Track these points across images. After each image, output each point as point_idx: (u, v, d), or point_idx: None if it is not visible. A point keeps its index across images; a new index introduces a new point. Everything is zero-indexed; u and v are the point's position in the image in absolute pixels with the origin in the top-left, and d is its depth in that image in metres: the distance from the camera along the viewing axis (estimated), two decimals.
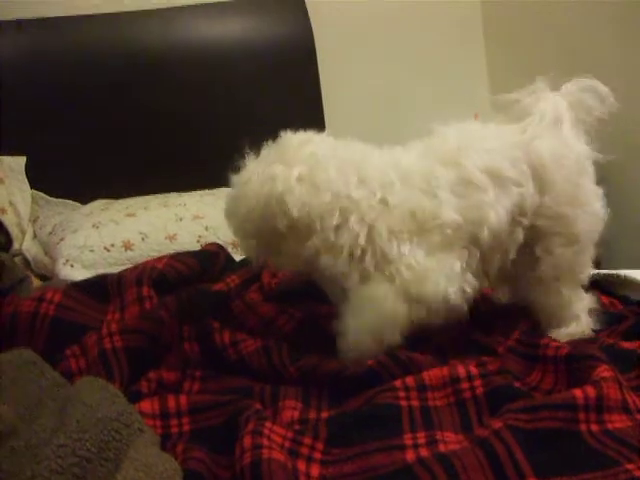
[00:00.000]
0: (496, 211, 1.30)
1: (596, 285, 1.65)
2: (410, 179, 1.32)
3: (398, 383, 1.16)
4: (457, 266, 1.29)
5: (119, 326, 1.43)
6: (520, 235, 1.37)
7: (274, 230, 1.28)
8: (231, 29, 2.99)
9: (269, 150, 1.35)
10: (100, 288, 1.62)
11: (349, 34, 3.17)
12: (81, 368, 1.35)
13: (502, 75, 3.40)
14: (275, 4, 3.01)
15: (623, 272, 1.68)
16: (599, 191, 1.42)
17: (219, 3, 2.94)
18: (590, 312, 1.46)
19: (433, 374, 1.18)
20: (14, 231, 2.40)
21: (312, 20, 2.98)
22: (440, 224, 1.28)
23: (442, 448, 0.99)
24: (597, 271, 1.70)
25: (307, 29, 2.98)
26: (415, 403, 1.12)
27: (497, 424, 0.99)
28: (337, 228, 1.27)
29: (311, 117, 2.96)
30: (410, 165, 1.34)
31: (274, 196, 1.25)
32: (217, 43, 2.94)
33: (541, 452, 0.93)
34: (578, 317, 1.44)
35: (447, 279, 1.28)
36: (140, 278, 1.62)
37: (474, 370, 1.18)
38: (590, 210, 1.39)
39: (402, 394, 1.13)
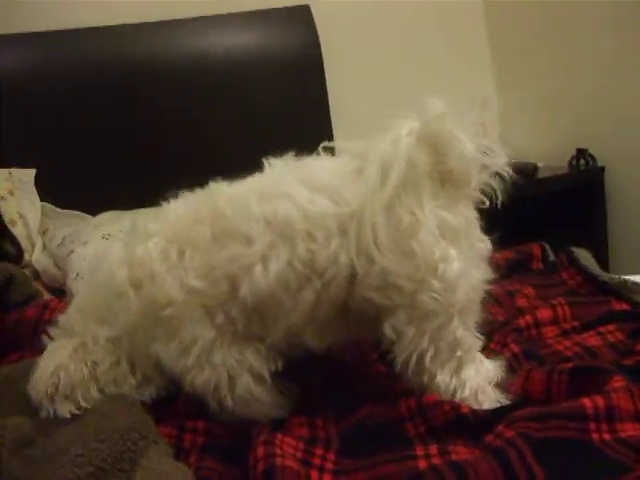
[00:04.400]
0: (265, 265, 1.13)
1: (610, 291, 1.63)
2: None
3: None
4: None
5: None
6: (310, 297, 1.15)
7: None
8: (239, 40, 3.01)
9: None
10: None
11: (356, 44, 3.19)
12: None
13: (508, 82, 3.42)
14: (283, 15, 3.03)
15: (631, 278, 1.65)
16: (452, 252, 1.14)
17: (228, 15, 2.97)
18: (498, 384, 1.23)
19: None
20: (24, 243, 2.41)
21: (319, 31, 3.00)
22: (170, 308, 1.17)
23: (455, 458, 1.00)
24: (610, 276, 1.69)
25: (314, 39, 3.00)
26: (422, 429, 1.13)
27: (509, 433, 0.99)
28: None
29: (319, 126, 2.99)
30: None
31: None
32: (226, 54, 2.96)
33: (554, 459, 0.93)
34: (475, 398, 1.20)
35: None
36: None
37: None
38: (437, 279, 1.13)
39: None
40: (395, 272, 1.11)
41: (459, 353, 1.19)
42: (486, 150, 1.17)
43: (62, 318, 1.32)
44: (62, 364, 1.21)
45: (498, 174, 1.18)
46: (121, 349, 1.25)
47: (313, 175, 1.20)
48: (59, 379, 1.19)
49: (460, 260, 1.14)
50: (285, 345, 1.22)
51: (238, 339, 1.19)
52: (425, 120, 1.15)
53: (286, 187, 1.18)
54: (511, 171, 1.17)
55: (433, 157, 1.15)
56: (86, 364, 1.23)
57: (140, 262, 1.20)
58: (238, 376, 1.19)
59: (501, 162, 1.17)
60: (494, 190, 1.18)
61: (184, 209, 1.25)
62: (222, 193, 1.23)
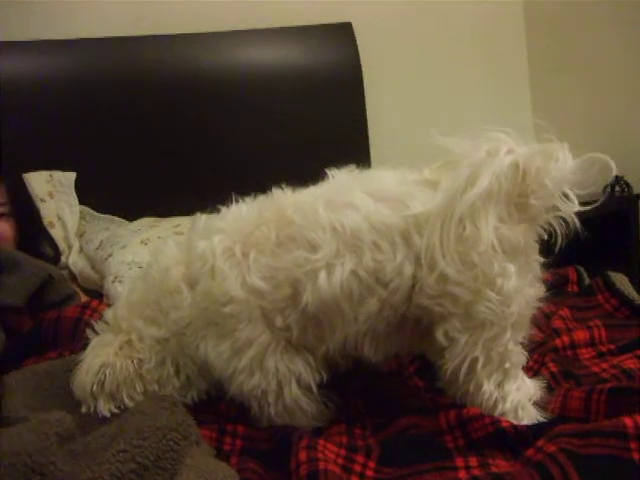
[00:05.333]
0: (330, 272, 1.14)
1: None
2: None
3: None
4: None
5: None
6: (374, 307, 1.17)
7: None
8: (279, 55, 3.04)
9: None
10: None
11: (397, 64, 3.21)
12: None
13: (546, 109, 3.42)
14: (324, 32, 3.06)
15: None
16: (510, 267, 1.15)
17: (269, 30, 3.00)
18: (538, 402, 1.24)
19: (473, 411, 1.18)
20: (61, 245, 2.44)
21: (360, 49, 3.02)
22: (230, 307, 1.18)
23: (495, 470, 1.00)
24: None
25: (355, 58, 3.02)
26: (461, 442, 1.13)
27: (551, 447, 0.99)
28: None
29: (356, 144, 3.02)
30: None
31: None
32: (266, 69, 2.98)
33: (596, 476, 0.93)
34: (514, 413, 1.20)
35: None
36: None
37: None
38: (494, 291, 1.14)
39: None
40: (454, 279, 1.12)
41: (507, 365, 1.19)
42: (563, 195, 1.17)
43: (108, 313, 1.34)
44: (108, 362, 1.23)
45: (564, 219, 1.18)
46: (167, 350, 1.27)
47: (377, 185, 1.21)
48: (105, 376, 1.21)
49: (517, 276, 1.15)
50: (339, 355, 1.24)
51: (290, 347, 1.20)
52: (533, 150, 1.14)
53: (352, 197, 1.18)
54: (577, 220, 1.17)
55: (519, 185, 1.14)
56: (132, 361, 1.25)
57: (201, 257, 1.21)
58: (287, 384, 1.20)
59: (571, 210, 1.17)
60: (555, 231, 1.19)
61: (247, 213, 1.26)
62: (288, 200, 1.24)
